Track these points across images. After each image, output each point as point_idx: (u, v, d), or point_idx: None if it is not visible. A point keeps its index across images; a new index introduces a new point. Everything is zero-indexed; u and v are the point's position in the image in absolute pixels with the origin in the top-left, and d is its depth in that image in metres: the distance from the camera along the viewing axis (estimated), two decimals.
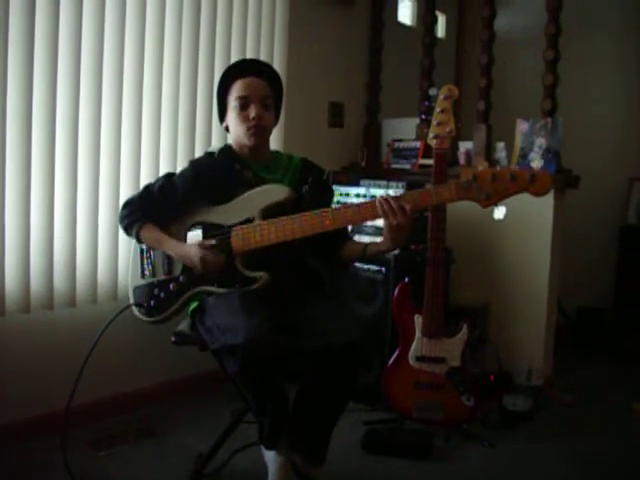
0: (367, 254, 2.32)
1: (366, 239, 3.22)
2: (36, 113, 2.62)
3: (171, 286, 2.29)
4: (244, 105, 2.31)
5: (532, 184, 1.96)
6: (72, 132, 2.75)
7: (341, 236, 2.39)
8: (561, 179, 3.39)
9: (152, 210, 2.33)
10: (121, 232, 2.41)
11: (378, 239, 2.17)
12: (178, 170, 2.47)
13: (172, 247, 2.26)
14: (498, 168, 2.02)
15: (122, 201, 2.88)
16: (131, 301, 2.39)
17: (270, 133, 2.42)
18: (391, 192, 3.13)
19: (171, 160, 3.14)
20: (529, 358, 3.55)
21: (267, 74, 2.41)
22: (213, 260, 2.17)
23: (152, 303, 2.32)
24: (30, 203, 2.64)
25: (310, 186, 2.39)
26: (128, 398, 3.12)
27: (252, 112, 2.30)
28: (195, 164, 2.40)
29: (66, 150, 2.74)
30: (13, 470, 2.53)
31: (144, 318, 2.35)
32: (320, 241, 2.24)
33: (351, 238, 2.50)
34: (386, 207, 2.06)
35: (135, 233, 2.31)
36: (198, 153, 3.17)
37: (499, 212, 1.99)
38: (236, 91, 2.33)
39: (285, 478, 2.24)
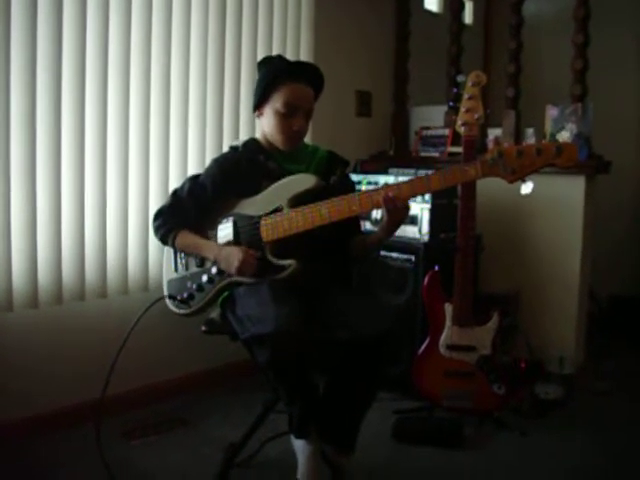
0: (367, 245, 2.40)
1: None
2: (65, 107, 2.65)
3: (203, 278, 2.30)
4: (290, 114, 2.27)
5: (558, 156, 1.92)
6: (101, 124, 2.77)
7: (356, 230, 2.45)
8: (592, 165, 3.34)
9: (184, 215, 2.35)
10: (151, 224, 2.42)
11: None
12: (206, 162, 2.47)
13: (209, 250, 2.27)
14: (524, 144, 1.99)
15: (152, 194, 2.95)
16: (165, 294, 2.41)
17: None
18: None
19: (200, 153, 3.15)
20: (561, 346, 3.51)
21: (317, 82, 2.35)
22: (251, 264, 2.17)
23: (185, 295, 2.33)
24: (61, 196, 2.67)
25: (338, 177, 2.40)
26: (160, 388, 3.14)
27: (296, 124, 2.28)
28: (219, 161, 2.40)
29: (96, 141, 2.77)
30: (46, 460, 2.57)
31: (177, 310, 2.37)
32: (338, 231, 2.26)
33: (362, 233, 2.51)
34: (390, 206, 2.07)
35: (171, 243, 2.34)
36: (226, 148, 3.16)
37: (526, 187, 1.97)
38: (286, 95, 2.26)
39: (315, 467, 2.25)
